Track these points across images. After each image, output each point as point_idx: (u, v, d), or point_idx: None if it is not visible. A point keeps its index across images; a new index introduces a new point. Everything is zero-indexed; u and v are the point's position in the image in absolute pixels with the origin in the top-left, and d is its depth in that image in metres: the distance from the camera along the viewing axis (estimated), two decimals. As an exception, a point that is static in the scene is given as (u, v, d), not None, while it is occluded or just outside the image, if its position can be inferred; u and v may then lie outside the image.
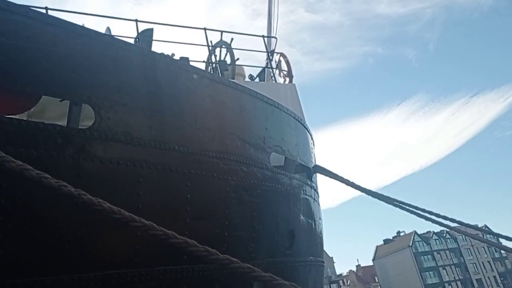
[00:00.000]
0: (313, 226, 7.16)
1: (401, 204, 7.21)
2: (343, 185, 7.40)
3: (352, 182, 7.30)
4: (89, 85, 4.25)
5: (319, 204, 7.89)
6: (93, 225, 3.87)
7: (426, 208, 7.14)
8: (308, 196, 7.11)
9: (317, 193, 7.88)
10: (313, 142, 8.12)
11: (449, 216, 7.14)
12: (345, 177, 7.42)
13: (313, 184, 7.53)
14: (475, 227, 7.01)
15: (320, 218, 7.79)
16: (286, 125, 6.78)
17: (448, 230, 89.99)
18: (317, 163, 8.00)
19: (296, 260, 6.38)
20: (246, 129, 5.83)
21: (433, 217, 7.02)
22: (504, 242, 8.52)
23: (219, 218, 5.07)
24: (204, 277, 4.74)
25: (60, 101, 4.60)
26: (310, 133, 7.87)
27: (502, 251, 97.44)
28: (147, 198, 4.37)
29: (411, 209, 7.12)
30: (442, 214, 7.06)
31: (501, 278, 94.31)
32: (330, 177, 7.56)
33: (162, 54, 5.39)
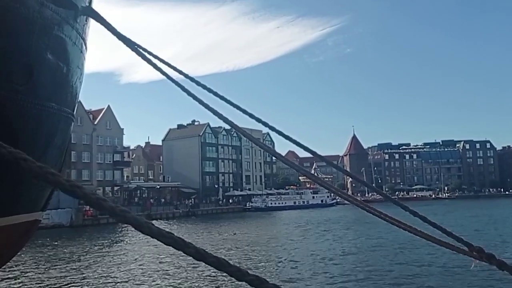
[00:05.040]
0: (65, 71, 6.33)
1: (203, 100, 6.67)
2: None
3: (129, 40, 6.54)
4: None
5: (82, 52, 6.99)
6: None
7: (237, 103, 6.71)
8: (66, 37, 6.15)
9: (83, 40, 6.94)
10: None
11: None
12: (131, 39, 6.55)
13: (78, 27, 6.54)
14: (267, 125, 7.21)
15: (79, 68, 6.95)
16: None
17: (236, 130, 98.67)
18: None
19: (29, 100, 5.56)
20: None
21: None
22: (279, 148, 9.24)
23: None
24: None
25: None
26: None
27: (273, 158, 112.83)
28: None
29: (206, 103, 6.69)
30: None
31: (265, 178, 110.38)
32: (107, 28, 6.63)
33: None
